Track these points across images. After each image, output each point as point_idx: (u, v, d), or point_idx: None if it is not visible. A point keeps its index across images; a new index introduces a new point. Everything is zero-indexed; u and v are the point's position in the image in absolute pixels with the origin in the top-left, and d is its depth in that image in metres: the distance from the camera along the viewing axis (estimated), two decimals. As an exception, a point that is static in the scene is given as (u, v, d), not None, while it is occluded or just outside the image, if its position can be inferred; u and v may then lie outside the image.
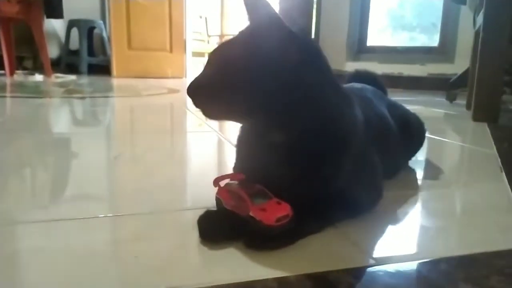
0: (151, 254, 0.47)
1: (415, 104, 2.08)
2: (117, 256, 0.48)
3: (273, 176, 0.54)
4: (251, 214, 0.48)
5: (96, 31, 4.40)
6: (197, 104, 0.55)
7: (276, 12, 0.50)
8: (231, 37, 0.56)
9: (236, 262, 0.45)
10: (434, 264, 0.46)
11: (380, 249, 0.51)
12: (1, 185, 0.74)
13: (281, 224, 0.48)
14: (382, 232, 0.56)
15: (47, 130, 1.42)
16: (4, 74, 3.32)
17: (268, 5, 0.49)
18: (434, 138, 1.24)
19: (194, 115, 1.62)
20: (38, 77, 3.36)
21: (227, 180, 0.56)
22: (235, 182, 0.55)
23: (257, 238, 0.48)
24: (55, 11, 3.32)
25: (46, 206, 0.65)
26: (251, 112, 0.53)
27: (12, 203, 0.65)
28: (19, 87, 2.66)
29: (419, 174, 0.89)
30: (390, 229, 0.57)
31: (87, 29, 4.25)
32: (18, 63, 3.83)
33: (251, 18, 0.52)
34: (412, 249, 0.52)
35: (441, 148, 1.21)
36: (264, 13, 0.50)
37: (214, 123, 1.37)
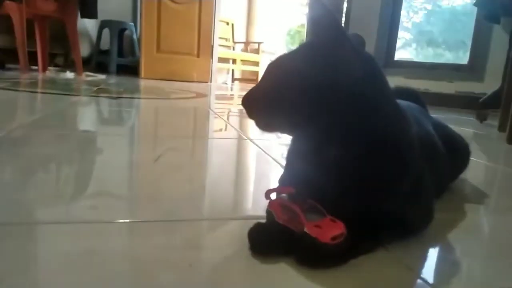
0: (204, 263, 0.47)
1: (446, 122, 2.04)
2: (171, 263, 0.48)
3: (325, 193, 0.54)
4: (305, 230, 0.48)
5: (126, 32, 4.50)
6: (251, 114, 0.55)
7: (342, 28, 0.49)
8: (291, 49, 0.56)
9: (287, 278, 0.45)
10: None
11: (436, 275, 0.50)
12: (27, 181, 0.75)
13: (336, 242, 0.47)
14: (435, 257, 0.54)
15: (77, 128, 1.44)
16: (36, 70, 3.41)
17: (336, 20, 0.49)
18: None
19: (221, 118, 1.63)
20: (69, 75, 3.45)
21: (277, 193, 0.55)
22: (286, 195, 0.55)
23: (310, 255, 0.47)
24: (90, 11, 3.41)
25: (69, 204, 0.65)
26: (308, 126, 0.53)
27: (34, 200, 0.65)
28: (51, 84, 2.73)
29: (461, 195, 0.86)
30: (442, 254, 0.55)
31: (118, 30, 4.35)
32: (50, 60, 3.93)
33: (315, 32, 0.52)
34: (467, 277, 0.50)
35: (477, 170, 1.18)
36: (329, 27, 0.49)
37: (248, 130, 1.37)
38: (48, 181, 0.77)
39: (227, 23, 5.46)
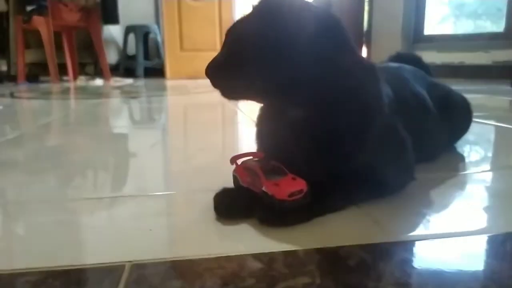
0: (166, 228, 0.48)
1: (477, 93, 1.93)
2: (135, 228, 0.49)
3: (293, 153, 0.53)
4: (264, 189, 0.48)
5: (151, 35, 4.62)
6: (215, 84, 0.56)
7: None
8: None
9: (247, 236, 0.45)
10: (455, 242, 0.43)
11: (402, 228, 0.48)
12: (64, 169, 0.80)
13: (294, 199, 0.46)
14: (409, 212, 0.52)
15: (102, 123, 1.51)
16: (68, 80, 3.59)
17: None
18: (498, 125, 1.13)
19: (239, 109, 1.64)
20: (98, 82, 3.60)
21: (245, 159, 0.56)
22: (253, 159, 0.55)
23: (270, 213, 0.47)
24: (111, 17, 3.54)
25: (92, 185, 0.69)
26: (269, 89, 0.52)
27: (69, 184, 0.70)
28: (81, 90, 2.86)
29: (460, 156, 0.82)
30: (418, 210, 0.53)
31: (143, 34, 4.48)
32: (81, 69, 4.13)
33: None
34: (436, 229, 0.48)
35: (504, 136, 1.10)
36: None
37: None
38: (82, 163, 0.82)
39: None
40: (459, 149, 0.84)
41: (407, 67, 0.80)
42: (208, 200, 0.51)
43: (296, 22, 0.49)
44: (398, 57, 0.92)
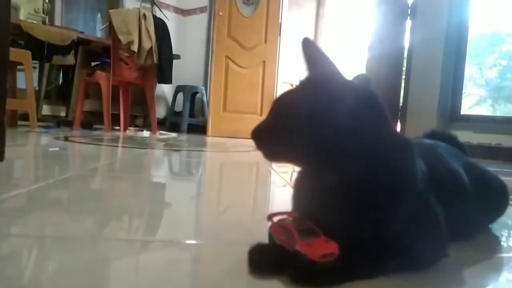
0: (197, 276, 0.51)
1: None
2: (172, 275, 0.53)
3: (326, 217, 0.56)
4: (297, 248, 0.50)
5: (198, 95, 4.93)
6: (258, 146, 0.61)
7: (333, 64, 0.55)
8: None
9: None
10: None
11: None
12: (103, 211, 0.86)
13: (326, 260, 0.49)
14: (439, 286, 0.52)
15: (144, 171, 1.60)
16: (119, 130, 3.84)
17: (327, 57, 0.55)
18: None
19: (272, 170, 1.69)
20: (146, 133, 3.83)
21: (281, 217, 0.59)
22: (289, 218, 0.58)
23: (301, 273, 0.49)
24: (165, 77, 3.84)
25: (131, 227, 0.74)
26: (308, 155, 0.57)
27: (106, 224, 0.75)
28: (129, 140, 3.05)
29: (495, 237, 0.80)
30: (448, 286, 0.53)
31: (191, 94, 4.79)
32: (131, 121, 4.42)
33: (309, 69, 0.58)
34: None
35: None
36: (322, 65, 0.55)
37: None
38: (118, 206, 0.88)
39: (291, 85, 5.73)
40: (495, 232, 0.83)
41: (442, 144, 0.83)
42: (237, 253, 0.54)
43: (339, 97, 0.55)
44: (433, 135, 0.95)
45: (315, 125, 0.55)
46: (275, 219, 0.58)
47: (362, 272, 0.52)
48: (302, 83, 0.59)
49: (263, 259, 0.53)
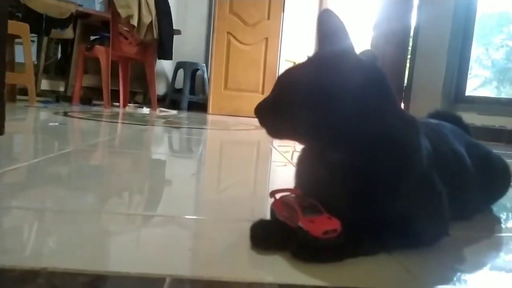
0: (202, 249, 0.51)
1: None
2: (172, 246, 0.53)
3: (329, 194, 0.56)
4: (300, 224, 0.50)
5: (199, 72, 4.87)
6: (261, 122, 0.60)
7: (349, 39, 0.53)
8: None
9: (278, 267, 0.47)
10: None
11: (435, 280, 0.48)
12: (103, 187, 0.86)
13: (328, 237, 0.48)
14: (441, 266, 0.52)
15: (144, 148, 1.60)
16: (118, 106, 3.82)
17: (344, 32, 0.53)
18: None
19: (273, 147, 1.68)
20: (145, 110, 3.80)
21: (283, 194, 0.59)
22: (291, 195, 0.58)
23: (303, 249, 0.49)
24: (166, 53, 3.78)
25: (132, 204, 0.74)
26: (312, 131, 0.56)
27: (106, 199, 0.75)
28: (128, 116, 3.03)
29: (496, 217, 0.81)
30: (451, 265, 0.53)
31: (192, 71, 4.73)
32: (131, 97, 4.38)
33: (322, 45, 0.56)
34: (467, 286, 0.48)
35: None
36: (337, 41, 0.53)
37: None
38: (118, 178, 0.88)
39: (294, 63, 5.65)
40: (496, 212, 0.83)
41: (447, 124, 0.82)
42: (238, 229, 0.54)
43: (345, 74, 0.53)
44: (437, 115, 0.94)
45: (319, 102, 0.54)
46: (278, 196, 0.58)
47: (364, 248, 0.52)
48: (310, 59, 0.58)
49: (265, 234, 0.53)
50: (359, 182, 0.54)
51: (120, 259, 0.47)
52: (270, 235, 0.53)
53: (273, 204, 0.57)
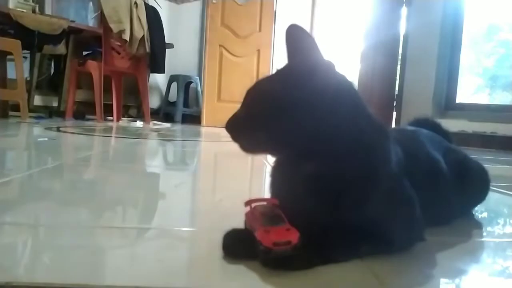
0: (175, 260, 0.52)
1: (509, 164, 1.88)
2: (146, 258, 0.53)
3: (301, 204, 0.56)
4: (255, 234, 0.50)
5: (192, 85, 4.91)
6: (234, 138, 0.61)
7: (317, 51, 0.54)
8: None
9: (246, 276, 0.47)
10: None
11: (402, 285, 0.49)
12: (96, 201, 0.86)
13: (278, 248, 0.48)
14: (412, 271, 0.53)
15: (137, 161, 1.60)
16: (111, 120, 3.83)
17: (312, 44, 0.54)
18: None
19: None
20: (139, 123, 3.81)
21: (260, 203, 0.59)
22: (264, 205, 0.58)
23: (272, 257, 0.49)
24: (159, 67, 3.81)
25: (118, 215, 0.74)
26: (285, 143, 0.56)
27: (98, 213, 0.75)
28: (122, 130, 3.04)
29: (475, 223, 0.81)
30: (422, 270, 0.53)
31: (185, 84, 4.76)
32: (125, 111, 4.39)
33: (290, 58, 0.57)
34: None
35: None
36: (305, 52, 0.54)
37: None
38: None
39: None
40: (476, 217, 0.83)
41: (424, 131, 0.83)
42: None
43: (314, 84, 0.54)
44: (416, 122, 0.95)
45: (289, 114, 0.54)
46: (253, 205, 0.58)
47: (335, 255, 0.52)
48: (278, 72, 0.59)
49: (235, 243, 0.53)
50: (328, 191, 0.54)
51: (95, 271, 0.48)
52: (240, 244, 0.53)
53: (246, 213, 0.57)
